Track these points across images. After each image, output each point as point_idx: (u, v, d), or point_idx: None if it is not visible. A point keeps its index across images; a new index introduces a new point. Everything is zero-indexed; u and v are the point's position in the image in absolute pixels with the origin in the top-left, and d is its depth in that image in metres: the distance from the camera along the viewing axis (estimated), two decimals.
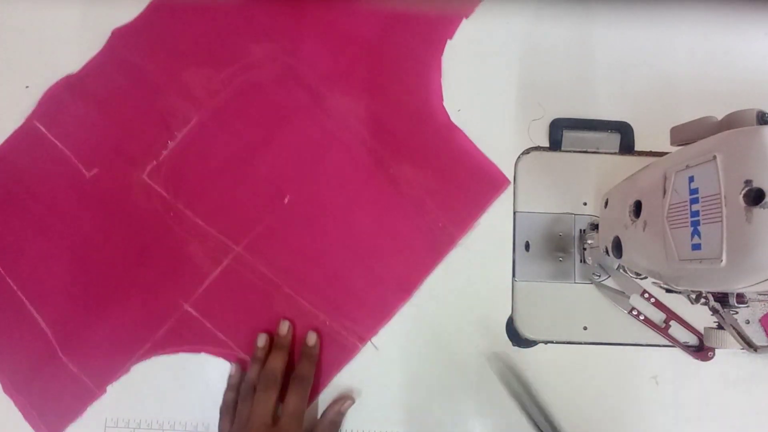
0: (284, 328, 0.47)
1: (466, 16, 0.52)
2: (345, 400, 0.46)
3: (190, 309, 0.48)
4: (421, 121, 0.51)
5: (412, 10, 0.52)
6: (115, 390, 0.47)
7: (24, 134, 0.51)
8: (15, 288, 0.49)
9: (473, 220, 0.49)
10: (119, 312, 0.48)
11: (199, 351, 0.48)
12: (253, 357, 0.46)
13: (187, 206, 0.49)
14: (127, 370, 0.48)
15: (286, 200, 0.49)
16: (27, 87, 0.52)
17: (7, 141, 0.51)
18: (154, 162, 0.50)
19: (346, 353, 0.48)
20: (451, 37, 0.52)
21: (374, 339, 0.48)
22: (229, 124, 0.50)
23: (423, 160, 0.50)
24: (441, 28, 0.52)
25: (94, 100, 0.51)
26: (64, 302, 0.48)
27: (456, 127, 0.50)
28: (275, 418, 0.43)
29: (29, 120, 0.51)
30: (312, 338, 0.47)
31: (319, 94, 0.51)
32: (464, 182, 0.50)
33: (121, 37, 0.52)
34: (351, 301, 0.48)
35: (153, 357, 0.48)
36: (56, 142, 0.51)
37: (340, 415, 0.46)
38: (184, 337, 0.48)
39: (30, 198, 0.50)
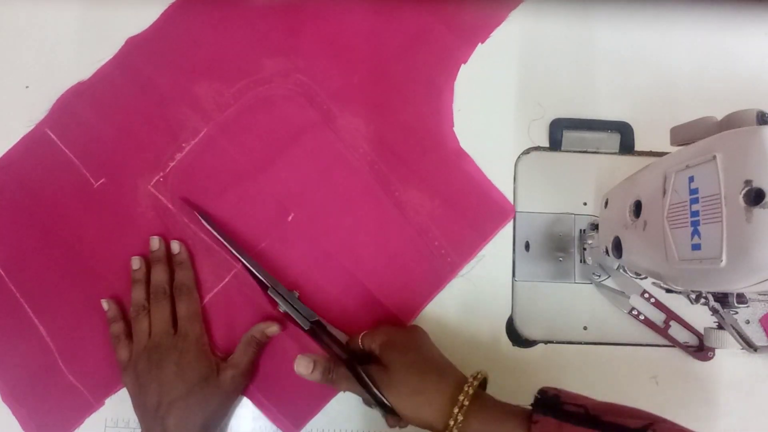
0: (155, 242, 0.47)
1: (482, 41, 0.52)
2: (271, 324, 0.46)
3: None
4: (431, 145, 0.50)
5: (428, 34, 0.52)
6: (114, 397, 0.47)
7: (34, 141, 0.50)
8: (18, 295, 0.48)
9: (476, 250, 0.48)
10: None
11: None
12: (132, 280, 0.47)
13: (192, 220, 0.49)
14: (125, 384, 0.47)
15: (290, 218, 0.48)
16: (27, 87, 0.52)
17: (15, 146, 0.50)
18: (161, 174, 0.50)
19: None
20: (465, 62, 0.51)
21: None
22: (238, 139, 0.50)
23: (430, 186, 0.49)
24: (456, 53, 0.52)
25: (103, 108, 0.51)
26: (66, 312, 0.48)
27: (465, 153, 0.50)
28: (174, 329, 0.44)
29: (40, 126, 0.51)
30: (175, 246, 0.47)
31: (330, 112, 0.50)
32: (470, 210, 0.49)
33: (134, 46, 0.51)
34: (348, 324, 0.47)
35: None
36: (65, 149, 0.50)
37: (264, 335, 0.45)
38: None
39: (37, 205, 0.49)
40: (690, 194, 0.30)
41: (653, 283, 0.47)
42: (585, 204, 0.50)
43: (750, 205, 0.26)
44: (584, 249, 0.48)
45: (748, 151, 0.27)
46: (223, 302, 0.48)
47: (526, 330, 0.48)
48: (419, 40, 0.52)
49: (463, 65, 0.52)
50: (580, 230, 0.50)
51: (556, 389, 0.35)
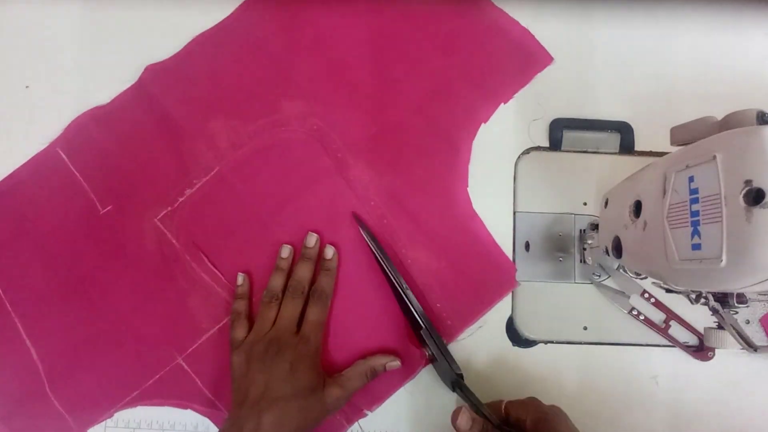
0: (312, 240, 0.47)
1: (504, 102, 0.51)
2: (394, 358, 0.45)
3: (182, 363, 0.47)
4: (443, 205, 0.49)
5: (451, 89, 0.51)
6: None
7: (45, 160, 0.50)
8: (12, 314, 0.48)
9: (477, 317, 0.48)
10: (112, 355, 0.47)
11: (185, 407, 0.47)
12: (276, 267, 0.47)
13: (195, 258, 0.48)
14: (110, 415, 0.46)
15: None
16: (27, 87, 0.52)
17: (26, 164, 0.50)
18: (169, 208, 0.49)
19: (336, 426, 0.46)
20: (485, 122, 0.50)
21: None
22: (250, 180, 0.49)
23: (439, 246, 0.48)
24: (478, 112, 0.51)
25: (118, 135, 0.50)
26: (59, 337, 0.47)
27: (476, 215, 0.49)
28: (297, 328, 0.44)
29: (52, 146, 0.50)
30: (329, 252, 0.47)
31: (344, 161, 0.50)
32: (476, 276, 0.48)
33: (153, 74, 0.51)
34: None
35: (138, 406, 0.47)
36: (76, 172, 0.50)
37: (382, 369, 0.45)
38: (173, 391, 0.47)
39: (41, 225, 0.49)
40: (690, 194, 0.30)
41: (653, 283, 0.47)
42: (585, 204, 0.50)
43: (750, 205, 0.26)
44: (584, 249, 0.48)
45: (748, 151, 0.27)
46: (218, 345, 0.47)
47: (526, 330, 0.48)
48: (442, 94, 0.51)
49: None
50: (580, 230, 0.50)
51: None
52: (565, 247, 0.50)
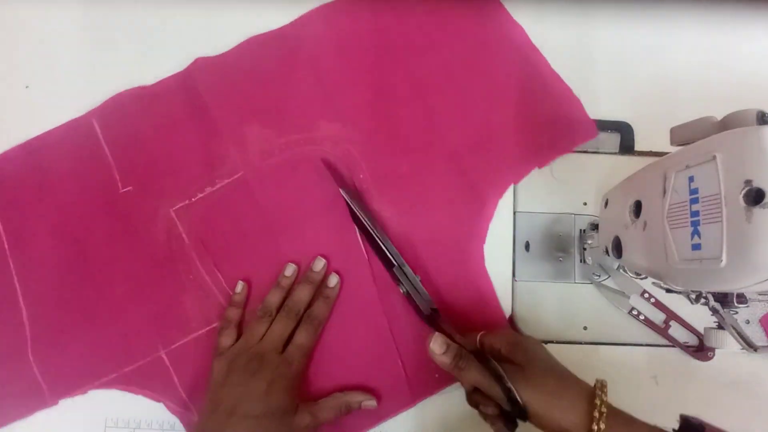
0: (319, 264, 0.47)
1: (540, 166, 0.50)
2: (371, 398, 0.45)
3: (164, 357, 0.47)
4: (456, 258, 0.48)
5: (490, 143, 0.50)
6: (113, 395, 0.47)
7: (77, 128, 0.50)
8: (13, 272, 0.48)
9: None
10: (100, 333, 0.47)
11: (158, 400, 0.46)
12: (276, 283, 0.47)
13: (200, 257, 0.48)
14: (84, 391, 0.46)
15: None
16: (27, 87, 0.52)
17: (58, 129, 0.50)
18: (187, 201, 0.49)
19: None
20: (516, 183, 0.50)
21: None
22: (270, 191, 0.49)
23: (441, 299, 0.47)
24: (511, 171, 0.49)
25: (154, 119, 0.50)
26: (52, 303, 0.47)
27: (486, 274, 0.48)
28: (283, 348, 0.44)
29: (88, 116, 0.50)
30: (333, 280, 0.47)
31: (367, 193, 0.49)
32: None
33: (202, 67, 0.51)
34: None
35: (113, 389, 0.47)
36: (105, 146, 0.50)
37: (358, 406, 0.45)
38: (149, 383, 0.46)
39: (60, 191, 0.49)
40: (690, 194, 0.30)
41: (653, 283, 0.47)
42: (585, 204, 0.50)
43: (750, 205, 0.26)
44: (584, 249, 0.48)
45: (748, 151, 0.27)
46: (203, 348, 0.47)
47: (526, 330, 0.48)
48: (481, 147, 0.50)
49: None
50: (580, 230, 0.50)
51: (699, 419, 0.34)
52: (565, 247, 0.50)
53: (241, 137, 0.50)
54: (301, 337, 0.44)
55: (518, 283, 0.49)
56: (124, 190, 0.49)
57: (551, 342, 0.48)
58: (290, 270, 0.47)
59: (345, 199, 0.47)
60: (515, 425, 0.38)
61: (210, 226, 0.49)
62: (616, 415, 0.35)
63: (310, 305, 0.46)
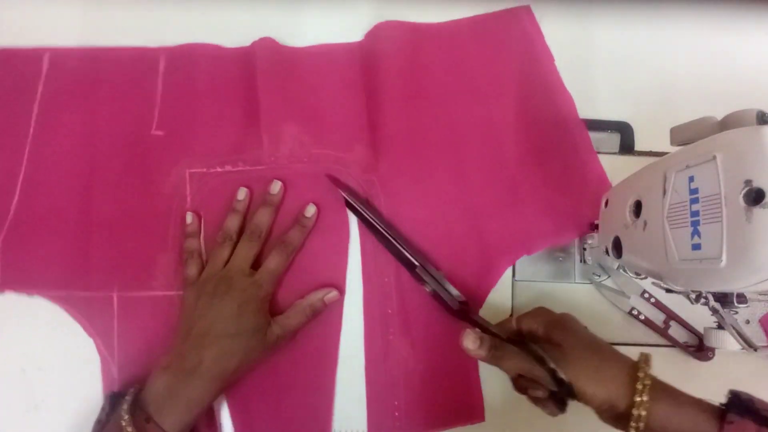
0: (276, 187, 0.47)
1: (554, 244, 0.49)
2: (330, 290, 0.46)
3: (115, 299, 0.47)
4: (444, 320, 0.46)
5: (513, 210, 0.49)
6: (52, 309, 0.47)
7: (144, 56, 0.51)
8: (25, 158, 0.49)
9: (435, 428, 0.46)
10: (71, 249, 0.47)
11: (92, 336, 0.46)
12: (232, 209, 0.47)
13: (208, 220, 0.48)
14: (30, 294, 0.46)
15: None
16: None
17: (126, 49, 0.51)
18: (204, 169, 0.49)
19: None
20: (529, 254, 0.48)
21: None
22: (283, 196, 0.48)
23: (420, 350, 0.47)
24: (528, 243, 0.48)
25: (213, 79, 0.51)
26: (44, 203, 0.48)
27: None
28: (251, 271, 0.45)
29: (158, 51, 0.51)
30: (310, 210, 0.47)
31: (370, 227, 0.48)
32: (445, 392, 0.46)
33: (267, 48, 0.50)
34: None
35: (57, 305, 0.47)
36: (160, 84, 0.51)
37: (321, 303, 0.46)
38: (91, 316, 0.46)
39: (100, 105, 0.50)
40: (690, 194, 0.30)
41: (653, 283, 0.47)
42: None
43: (750, 205, 0.26)
44: (584, 249, 0.48)
45: (748, 151, 0.27)
46: (151, 309, 0.46)
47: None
48: (504, 213, 0.49)
49: None
50: None
51: (748, 394, 0.34)
52: (565, 247, 0.50)
53: (277, 133, 0.49)
54: (273, 262, 0.45)
55: (518, 283, 0.49)
56: (156, 132, 0.50)
57: None
58: (242, 194, 0.48)
59: (355, 206, 0.47)
60: (565, 405, 0.38)
61: (214, 201, 0.49)
62: (660, 387, 0.34)
63: (272, 230, 0.47)
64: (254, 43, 0.51)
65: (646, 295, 0.48)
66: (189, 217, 0.48)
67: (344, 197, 0.47)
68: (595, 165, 0.50)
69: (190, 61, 0.51)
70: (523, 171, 0.50)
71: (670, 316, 0.48)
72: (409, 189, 0.49)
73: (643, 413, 0.33)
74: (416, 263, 0.46)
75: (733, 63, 0.53)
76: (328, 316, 0.47)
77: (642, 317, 0.47)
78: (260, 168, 0.49)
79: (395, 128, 0.50)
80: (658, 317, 0.48)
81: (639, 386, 0.34)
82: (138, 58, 0.51)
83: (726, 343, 0.35)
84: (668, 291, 0.37)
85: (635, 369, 0.35)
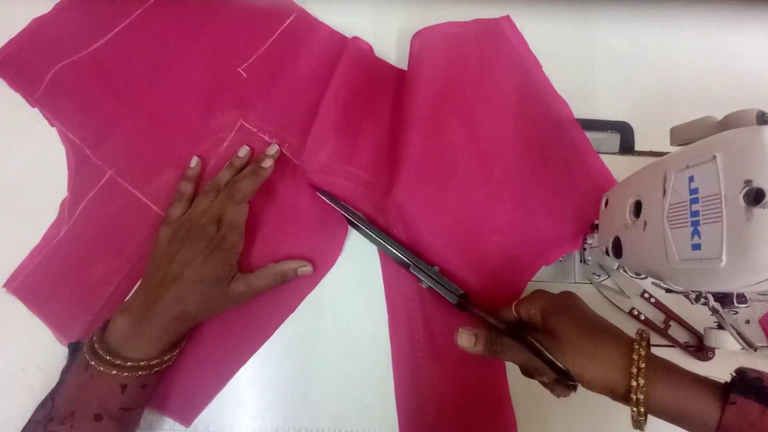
0: (243, 151, 0.49)
1: (571, 250, 0.48)
2: (305, 263, 0.47)
3: (107, 175, 0.49)
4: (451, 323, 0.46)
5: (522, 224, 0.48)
6: None
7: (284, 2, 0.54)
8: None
9: None
10: (117, 114, 0.50)
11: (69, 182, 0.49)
12: (229, 163, 0.49)
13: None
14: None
15: None
16: None
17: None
18: (254, 129, 0.51)
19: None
20: (548, 265, 0.48)
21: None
22: (286, 189, 0.49)
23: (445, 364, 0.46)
24: (544, 253, 0.48)
25: (313, 54, 0.52)
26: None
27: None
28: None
29: (298, 8, 0.54)
30: (267, 162, 0.47)
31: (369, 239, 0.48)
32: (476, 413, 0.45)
33: (355, 49, 0.51)
34: None
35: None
36: (277, 33, 0.53)
37: (293, 273, 0.47)
38: (76, 172, 0.49)
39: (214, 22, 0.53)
40: (690, 194, 0.30)
41: (653, 283, 0.47)
42: None
43: (750, 205, 0.26)
44: (584, 249, 0.48)
45: (748, 151, 0.27)
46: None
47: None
48: (519, 223, 0.48)
49: None
50: None
51: (758, 371, 0.32)
52: None
53: (321, 138, 0.48)
54: (228, 214, 0.45)
55: None
56: (241, 71, 0.52)
57: None
58: (243, 151, 0.49)
59: (343, 214, 0.48)
60: (575, 386, 0.37)
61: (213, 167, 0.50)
62: (656, 365, 0.34)
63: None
64: (351, 41, 0.52)
65: (646, 295, 0.48)
66: (194, 161, 0.49)
67: (338, 209, 0.48)
68: (598, 165, 0.50)
69: (307, 31, 0.53)
70: (531, 183, 0.49)
71: (670, 316, 0.48)
72: (425, 215, 0.47)
73: (641, 397, 0.32)
74: (408, 262, 0.46)
75: (733, 63, 0.53)
76: (289, 293, 0.48)
77: (642, 317, 0.47)
78: (294, 161, 0.50)
79: (411, 158, 0.48)
80: (658, 317, 0.48)
81: (633, 370, 0.33)
82: (273, 2, 0.54)
83: (726, 343, 0.35)
84: (668, 291, 0.37)
85: (632, 350, 0.34)
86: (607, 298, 0.48)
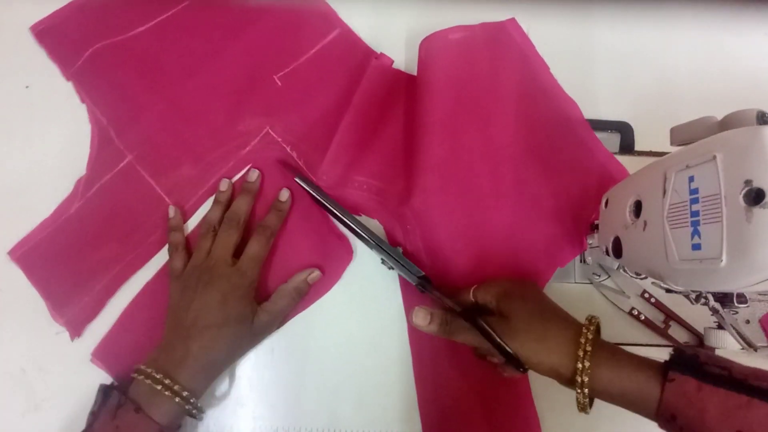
0: (253, 175, 0.48)
1: (581, 251, 0.48)
2: (312, 270, 0.47)
3: (126, 159, 0.49)
4: None
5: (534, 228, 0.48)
6: None
7: (329, 16, 0.54)
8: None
9: None
10: (154, 99, 0.51)
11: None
12: (215, 200, 0.48)
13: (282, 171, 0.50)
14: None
15: None
16: (27, 87, 0.52)
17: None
18: (279, 138, 0.51)
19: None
20: (562, 266, 0.48)
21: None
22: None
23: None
24: (555, 256, 0.48)
25: (348, 69, 0.52)
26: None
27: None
28: (234, 259, 0.45)
29: (341, 23, 0.54)
30: (284, 195, 0.48)
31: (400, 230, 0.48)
32: None
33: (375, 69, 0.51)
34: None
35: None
36: (318, 46, 0.53)
37: (306, 284, 0.47)
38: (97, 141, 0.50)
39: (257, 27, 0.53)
40: (690, 194, 0.30)
41: (653, 283, 0.47)
42: None
43: (750, 205, 0.26)
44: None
45: (748, 151, 0.27)
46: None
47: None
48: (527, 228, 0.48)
49: None
50: None
51: (694, 348, 0.34)
52: None
53: (339, 156, 0.48)
54: (253, 248, 0.45)
55: None
56: (276, 78, 0.52)
57: None
58: (225, 184, 0.49)
59: (306, 189, 0.47)
60: (525, 369, 0.38)
61: (266, 169, 0.50)
62: (603, 350, 0.34)
63: (253, 217, 0.48)
64: (377, 58, 0.51)
65: (646, 295, 0.48)
66: (171, 211, 0.48)
67: (297, 181, 0.48)
68: (613, 163, 0.50)
69: (347, 49, 0.53)
70: (544, 184, 0.49)
71: (670, 316, 0.48)
72: (444, 220, 0.47)
73: (586, 379, 0.33)
74: (372, 241, 0.46)
75: (733, 63, 0.53)
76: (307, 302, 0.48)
77: (642, 317, 0.47)
78: (310, 175, 0.49)
79: (427, 162, 0.48)
80: (658, 317, 0.48)
81: (580, 353, 0.34)
82: (319, 14, 0.53)
83: (726, 343, 0.35)
84: (668, 291, 0.37)
85: (580, 335, 0.35)
86: (607, 298, 0.48)
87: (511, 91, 0.50)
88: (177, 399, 0.39)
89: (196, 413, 0.41)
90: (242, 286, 0.43)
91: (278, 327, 0.46)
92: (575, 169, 0.49)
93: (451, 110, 0.48)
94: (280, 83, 0.52)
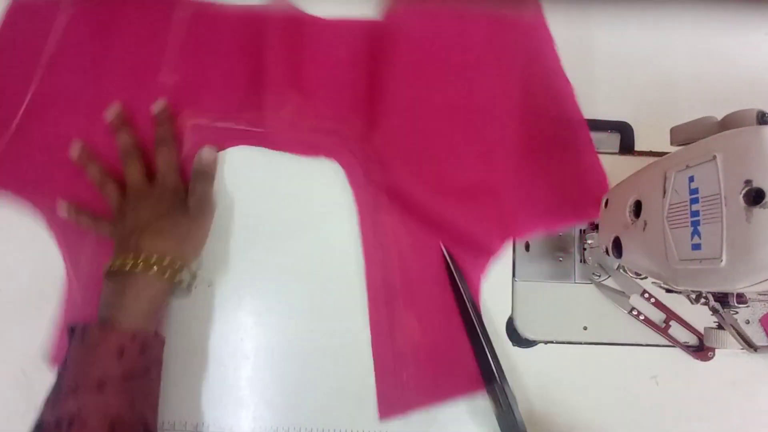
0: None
1: (554, 231, 0.49)
2: (203, 147, 0.48)
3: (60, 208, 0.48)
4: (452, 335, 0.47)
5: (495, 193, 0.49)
6: None
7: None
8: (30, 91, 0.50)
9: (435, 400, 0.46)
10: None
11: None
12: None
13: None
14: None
15: None
16: None
17: None
18: (206, 122, 0.50)
19: None
20: (520, 236, 0.49)
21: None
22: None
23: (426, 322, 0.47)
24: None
25: (229, 33, 0.51)
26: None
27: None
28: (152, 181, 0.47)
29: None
30: (160, 105, 0.49)
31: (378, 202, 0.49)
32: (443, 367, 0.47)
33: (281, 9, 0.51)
34: None
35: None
36: (178, 31, 0.51)
37: (210, 158, 0.48)
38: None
39: (112, 39, 0.51)
40: (690, 194, 0.30)
41: (653, 283, 0.47)
42: None
43: (750, 205, 0.26)
44: (584, 249, 0.48)
45: (748, 151, 0.27)
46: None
47: (526, 330, 0.48)
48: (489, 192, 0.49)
49: None
50: (580, 230, 0.50)
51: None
52: (565, 247, 0.50)
53: (280, 99, 0.49)
54: (162, 160, 0.47)
55: (518, 283, 0.49)
56: (163, 79, 0.51)
57: (551, 342, 0.48)
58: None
59: (465, 299, 0.47)
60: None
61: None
62: None
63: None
64: (270, 4, 0.51)
65: (646, 295, 0.48)
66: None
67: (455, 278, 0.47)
68: (593, 159, 0.50)
69: (207, 16, 0.52)
70: (525, 144, 0.49)
71: (670, 316, 0.48)
72: (406, 162, 0.48)
73: None
74: (497, 378, 0.45)
75: (733, 63, 0.53)
76: None
77: (642, 317, 0.47)
78: (259, 130, 0.50)
79: (394, 104, 0.49)
80: (658, 317, 0.48)
81: None
82: (161, 3, 0.52)
83: (726, 343, 0.35)
84: (668, 291, 0.37)
85: None
86: (608, 298, 0.48)
87: (512, 70, 0.51)
88: (155, 268, 0.41)
89: (184, 275, 0.43)
90: (166, 197, 0.45)
91: (212, 206, 0.47)
92: (552, 155, 0.50)
93: (427, 59, 0.50)
94: (170, 81, 0.51)
